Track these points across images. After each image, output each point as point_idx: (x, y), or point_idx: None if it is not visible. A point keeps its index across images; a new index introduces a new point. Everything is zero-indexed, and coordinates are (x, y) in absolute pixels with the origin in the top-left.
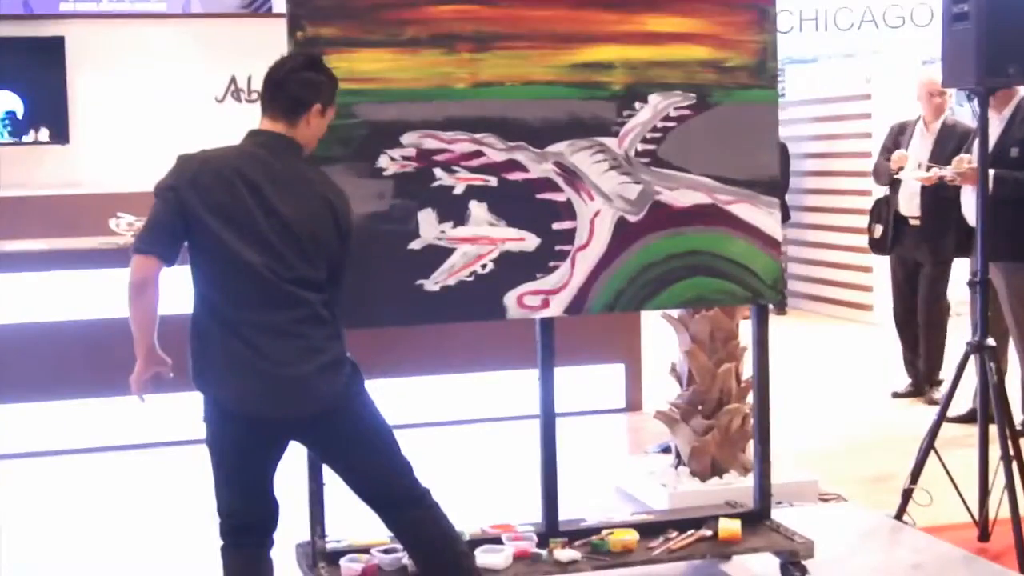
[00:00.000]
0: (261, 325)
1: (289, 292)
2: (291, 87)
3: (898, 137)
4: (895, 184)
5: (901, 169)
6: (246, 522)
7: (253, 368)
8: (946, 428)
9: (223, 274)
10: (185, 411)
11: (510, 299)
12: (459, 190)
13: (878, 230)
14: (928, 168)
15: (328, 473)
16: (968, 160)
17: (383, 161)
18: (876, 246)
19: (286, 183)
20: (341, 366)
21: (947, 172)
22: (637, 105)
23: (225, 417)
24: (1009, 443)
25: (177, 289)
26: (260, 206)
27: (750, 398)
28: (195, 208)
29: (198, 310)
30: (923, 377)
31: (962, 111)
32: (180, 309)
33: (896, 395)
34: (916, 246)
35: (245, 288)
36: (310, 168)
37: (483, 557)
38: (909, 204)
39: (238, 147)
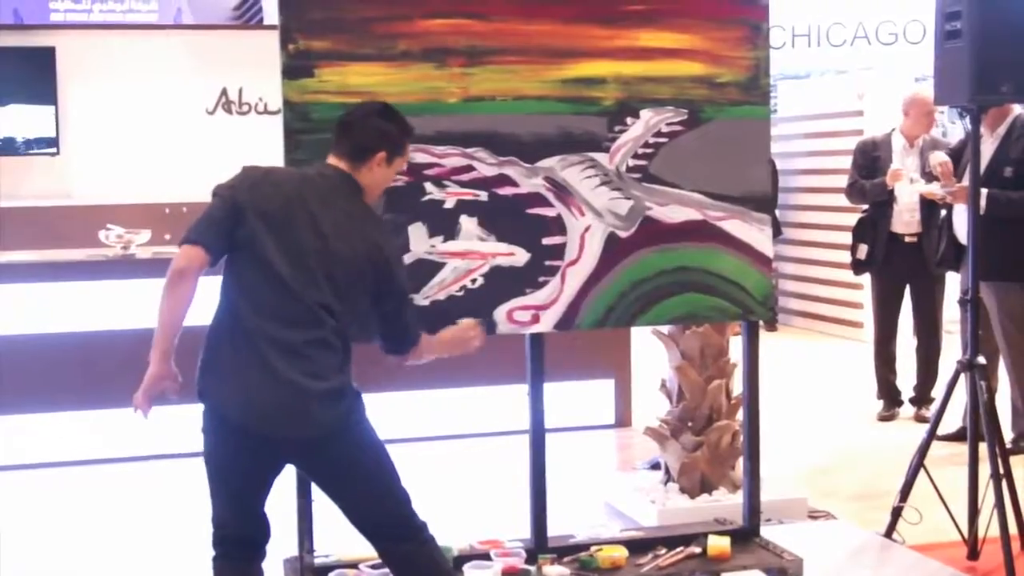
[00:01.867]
0: (275, 340)
1: (310, 312)
2: (359, 132)
3: (872, 154)
4: (880, 203)
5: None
6: (238, 535)
7: (259, 381)
8: (936, 446)
9: (254, 280)
10: (180, 424)
11: (500, 314)
12: (450, 204)
13: (863, 250)
14: (927, 182)
15: (316, 489)
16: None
17: None
18: (860, 267)
19: (338, 215)
20: (343, 395)
21: (939, 190)
22: (628, 120)
23: (223, 430)
24: (999, 462)
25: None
26: (308, 226)
27: (740, 415)
28: (246, 211)
29: (220, 316)
30: (917, 394)
31: (954, 128)
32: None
33: (882, 418)
34: (911, 263)
35: (271, 299)
36: (366, 209)
37: (471, 573)
38: (909, 221)
39: (302, 171)
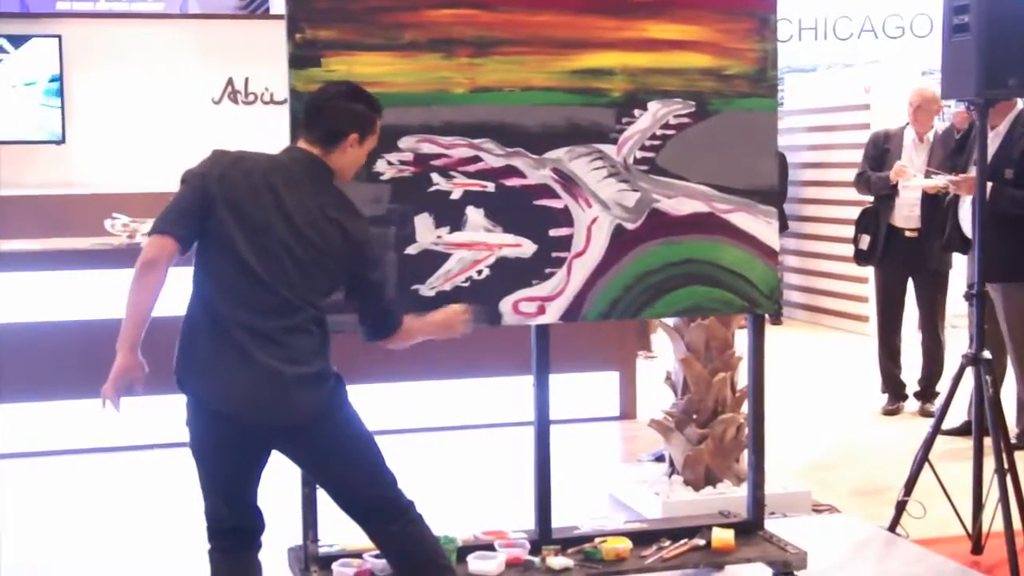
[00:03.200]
0: (250, 328)
1: (282, 300)
2: (330, 115)
3: (883, 146)
4: (883, 196)
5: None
6: (232, 526)
7: (237, 369)
8: (941, 440)
9: (224, 271)
10: (180, 412)
11: (506, 305)
12: (456, 195)
13: (865, 241)
14: (928, 175)
15: None
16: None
17: (381, 165)
18: (862, 257)
19: (307, 202)
20: (324, 380)
21: (942, 181)
22: (636, 112)
23: (207, 421)
24: (1003, 456)
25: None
26: (278, 214)
27: (745, 408)
28: (215, 200)
29: (193, 306)
30: (921, 388)
31: None
32: (167, 312)
33: (887, 412)
34: (911, 258)
35: (242, 289)
36: (335, 195)
37: (476, 563)
38: (908, 215)
39: (273, 156)
